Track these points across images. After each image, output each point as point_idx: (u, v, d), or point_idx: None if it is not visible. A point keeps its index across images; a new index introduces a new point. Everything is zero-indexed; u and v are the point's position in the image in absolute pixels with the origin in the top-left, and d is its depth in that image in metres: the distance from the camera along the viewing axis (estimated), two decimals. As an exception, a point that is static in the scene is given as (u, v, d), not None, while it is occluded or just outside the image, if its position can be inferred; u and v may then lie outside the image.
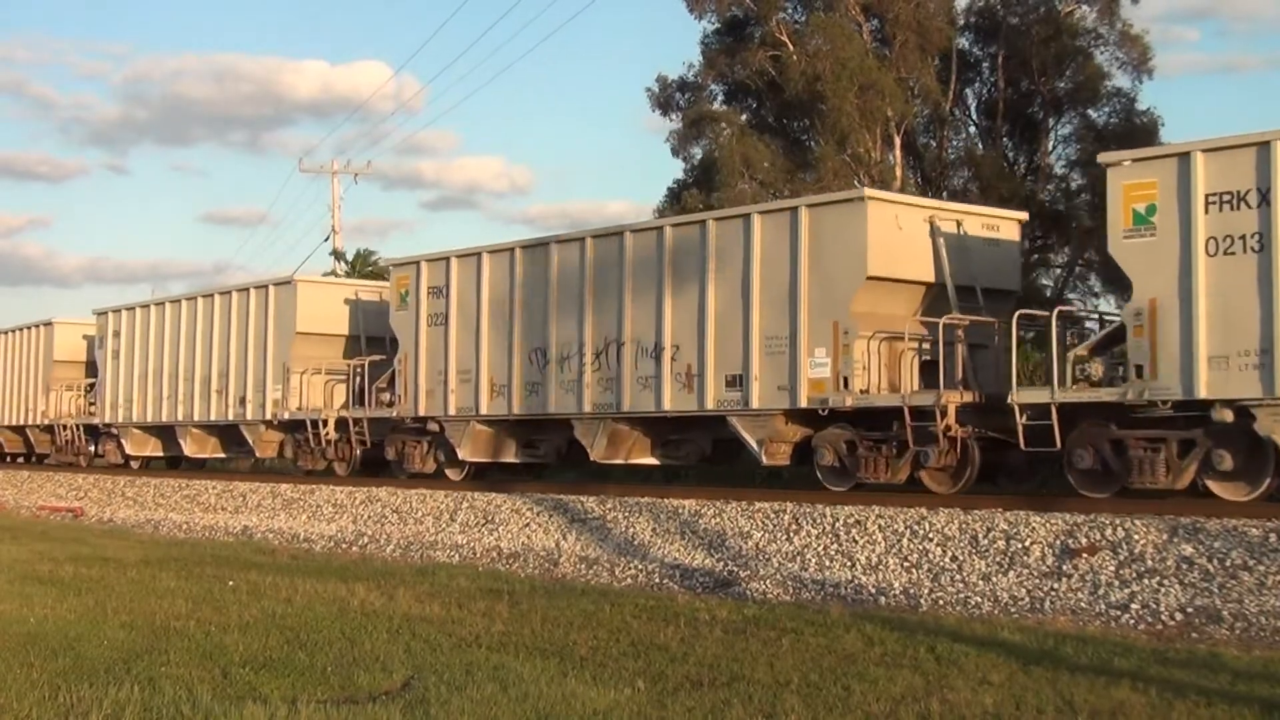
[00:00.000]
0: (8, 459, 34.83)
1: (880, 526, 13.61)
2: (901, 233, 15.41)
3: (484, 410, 19.40)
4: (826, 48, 31.02)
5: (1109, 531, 12.06)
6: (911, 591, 11.92)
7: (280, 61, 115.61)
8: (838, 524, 13.95)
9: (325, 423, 22.43)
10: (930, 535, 13.10)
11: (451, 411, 19.84)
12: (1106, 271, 29.19)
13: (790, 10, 33.93)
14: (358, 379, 22.26)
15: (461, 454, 19.88)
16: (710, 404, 16.50)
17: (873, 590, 12.12)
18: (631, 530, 15.53)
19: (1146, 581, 11.15)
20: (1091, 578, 11.47)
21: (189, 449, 26.57)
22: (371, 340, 23.29)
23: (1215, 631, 9.93)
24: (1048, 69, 32.35)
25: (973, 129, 35.38)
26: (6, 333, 34.01)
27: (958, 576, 12.23)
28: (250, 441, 24.58)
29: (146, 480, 26.31)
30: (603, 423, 17.86)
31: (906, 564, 12.78)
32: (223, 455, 27.38)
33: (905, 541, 13.16)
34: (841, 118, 30.53)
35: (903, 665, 8.30)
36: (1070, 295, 32.33)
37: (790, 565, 13.39)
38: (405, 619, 10.32)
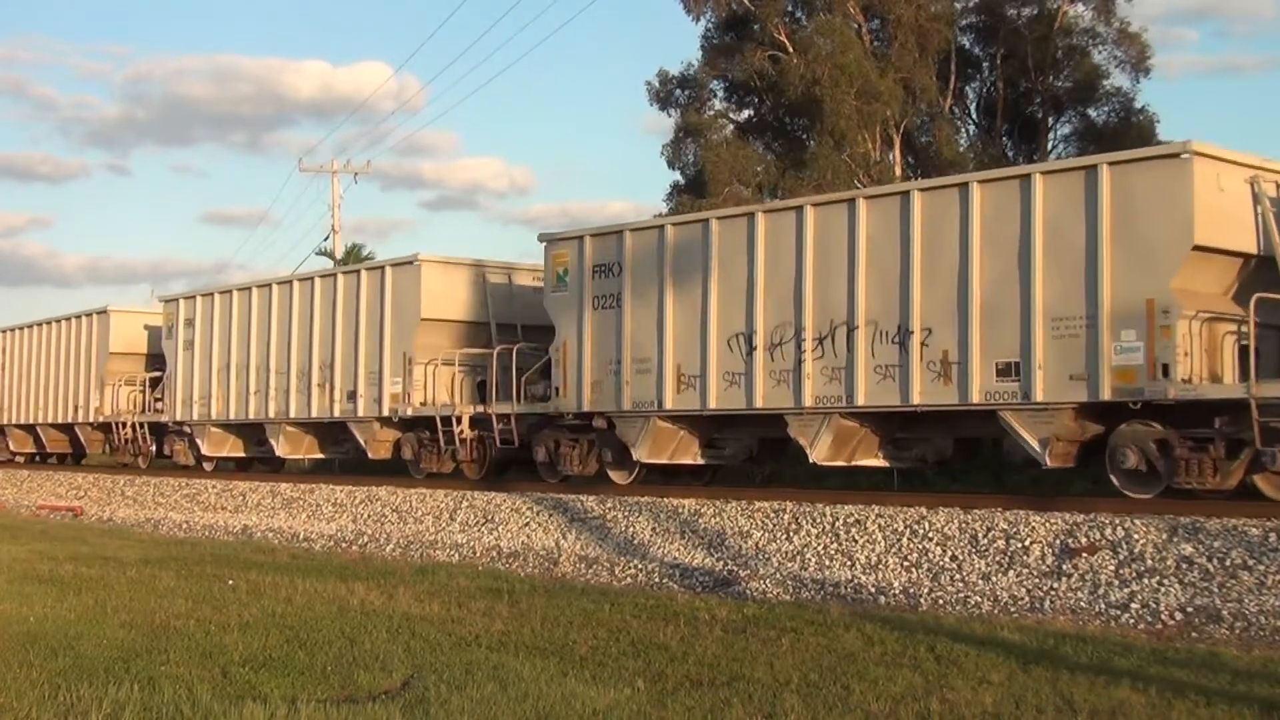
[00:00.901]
0: (21, 460, 33.75)
1: (880, 526, 13.61)
2: (1223, 194, 13.29)
3: (669, 404, 17.01)
4: (826, 51, 31.03)
5: (1109, 531, 12.06)
6: (911, 591, 11.92)
7: (281, 62, 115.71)
8: (837, 523, 13.95)
9: (459, 420, 19.97)
10: (930, 535, 13.10)
11: (626, 406, 17.47)
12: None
13: (789, 8, 33.93)
14: (498, 370, 19.87)
15: (638, 454, 17.53)
16: (976, 396, 14.22)
17: (872, 590, 12.11)
18: (631, 530, 15.53)
19: (1146, 581, 11.15)
20: (1091, 577, 11.47)
21: (281, 449, 23.92)
22: (502, 328, 20.92)
23: (1215, 631, 9.93)
24: (1046, 68, 32.41)
25: (972, 128, 35.42)
26: (52, 323, 31.17)
27: (957, 576, 12.22)
28: (361, 441, 21.85)
29: (146, 479, 26.29)
30: (827, 419, 15.57)
31: (906, 563, 12.78)
32: (319, 456, 24.79)
33: (905, 541, 13.15)
34: (840, 120, 30.56)
35: (902, 665, 8.30)
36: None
37: (790, 565, 13.39)
38: (405, 618, 10.32)
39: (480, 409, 19.86)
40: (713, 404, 16.59)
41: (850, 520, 13.92)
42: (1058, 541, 12.20)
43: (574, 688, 7.55)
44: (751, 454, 17.45)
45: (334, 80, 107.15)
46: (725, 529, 14.72)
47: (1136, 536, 11.84)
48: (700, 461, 17.79)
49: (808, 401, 15.65)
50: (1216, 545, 11.34)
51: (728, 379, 16.44)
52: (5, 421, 33.13)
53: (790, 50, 32.20)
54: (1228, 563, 11.07)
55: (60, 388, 30.48)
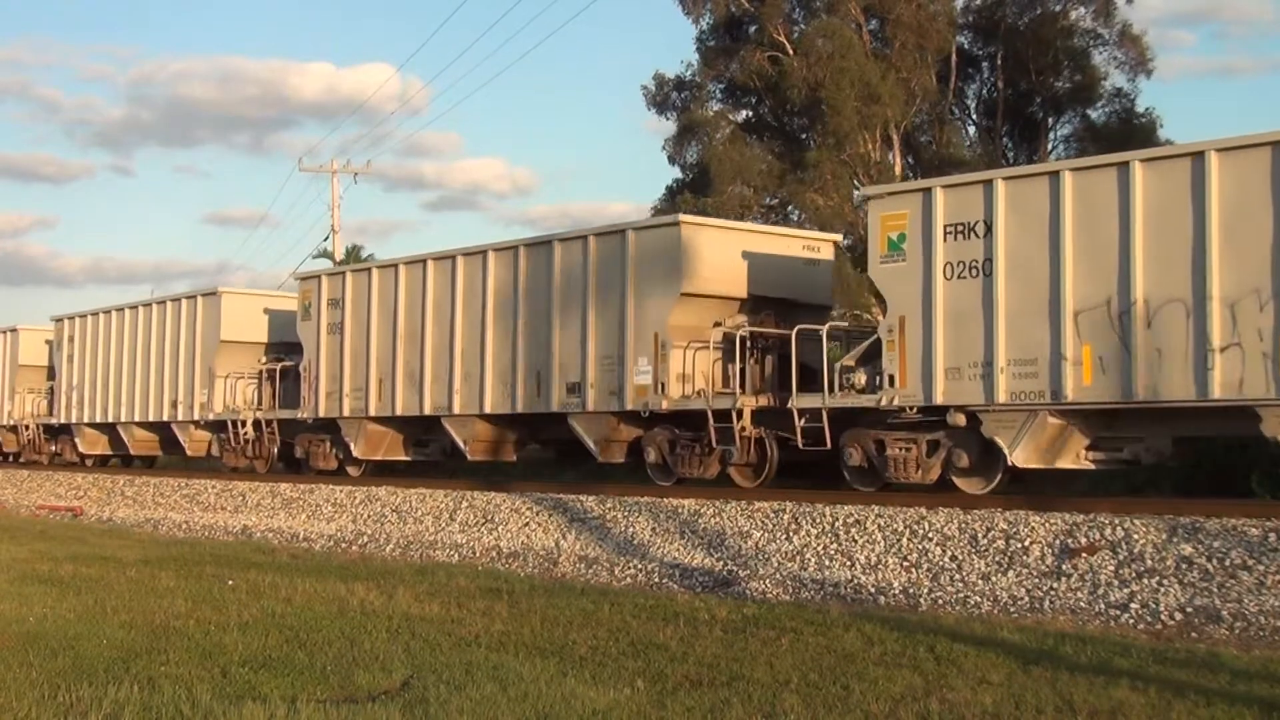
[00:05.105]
0: (91, 463, 32.35)
1: (879, 526, 13.60)
2: None
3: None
4: (826, 52, 31.06)
5: (1108, 531, 12.06)
6: (911, 591, 11.92)
7: (285, 64, 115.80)
8: (837, 523, 13.94)
9: (739, 414, 16.25)
10: (930, 535, 13.10)
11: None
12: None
13: (790, 8, 33.95)
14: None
15: None
16: None
17: (872, 590, 12.11)
18: (631, 530, 15.52)
19: (1146, 581, 11.15)
20: (1091, 577, 11.47)
21: (473, 450, 19.95)
22: (761, 301, 17.37)
23: (1214, 631, 9.94)
24: (1046, 69, 32.45)
25: (972, 129, 35.46)
26: (140, 307, 27.78)
27: (957, 576, 12.22)
28: (590, 442, 18.09)
29: (146, 480, 26.28)
30: None
31: (906, 564, 12.78)
32: (513, 460, 20.96)
33: (905, 541, 13.15)
34: (841, 121, 30.59)
35: (902, 665, 8.30)
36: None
37: (790, 565, 13.39)
38: (405, 618, 10.32)
39: (765, 401, 16.47)
40: None
41: (850, 520, 13.92)
42: (1057, 542, 12.20)
43: (574, 688, 7.55)
44: None
45: (338, 82, 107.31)
46: (725, 529, 14.72)
47: (1136, 536, 11.84)
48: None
49: None
50: (1216, 545, 11.34)
51: None
52: (74, 419, 29.52)
53: (790, 51, 32.23)
54: (1227, 563, 11.07)
55: (154, 381, 26.63)
